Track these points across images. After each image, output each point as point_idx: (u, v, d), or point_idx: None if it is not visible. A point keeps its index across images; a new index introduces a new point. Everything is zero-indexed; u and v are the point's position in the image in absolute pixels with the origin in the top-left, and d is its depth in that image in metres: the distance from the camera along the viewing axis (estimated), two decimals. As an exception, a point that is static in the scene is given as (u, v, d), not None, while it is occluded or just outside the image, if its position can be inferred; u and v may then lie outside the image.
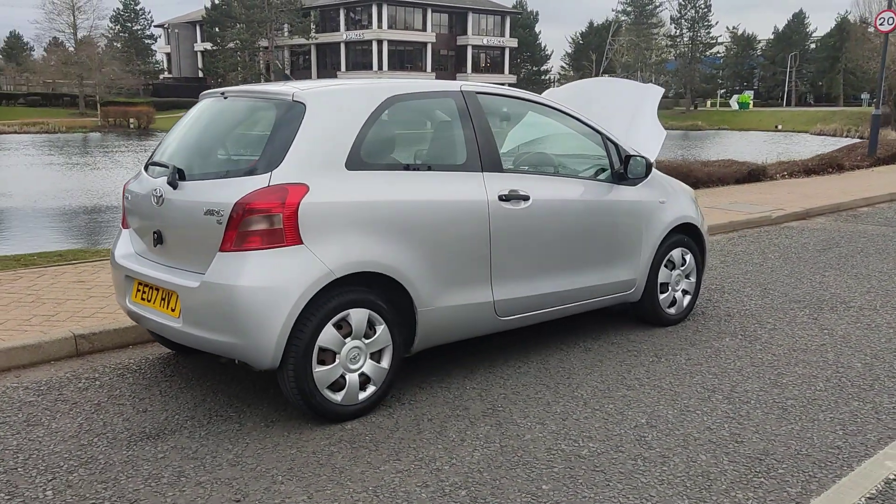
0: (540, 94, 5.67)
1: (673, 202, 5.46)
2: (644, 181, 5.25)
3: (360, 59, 72.06)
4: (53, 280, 6.14)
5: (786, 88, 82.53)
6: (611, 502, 3.10)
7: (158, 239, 4.00)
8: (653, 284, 5.37)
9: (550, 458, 3.45)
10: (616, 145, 5.14)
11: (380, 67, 70.40)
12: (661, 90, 6.18)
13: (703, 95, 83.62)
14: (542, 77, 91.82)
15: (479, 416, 3.92)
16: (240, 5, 67.25)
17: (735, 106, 75.28)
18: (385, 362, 3.94)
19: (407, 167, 4.11)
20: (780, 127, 55.35)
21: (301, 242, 3.58)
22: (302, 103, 3.83)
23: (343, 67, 72.10)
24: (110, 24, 74.89)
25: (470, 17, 77.21)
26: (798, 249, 8.56)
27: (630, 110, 5.92)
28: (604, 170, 5.13)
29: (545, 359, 4.81)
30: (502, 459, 3.44)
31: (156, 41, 79.81)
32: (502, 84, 71.80)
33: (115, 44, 75.00)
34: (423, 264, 3.98)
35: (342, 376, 3.77)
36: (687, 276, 5.66)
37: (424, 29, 74.45)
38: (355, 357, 3.80)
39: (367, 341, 3.84)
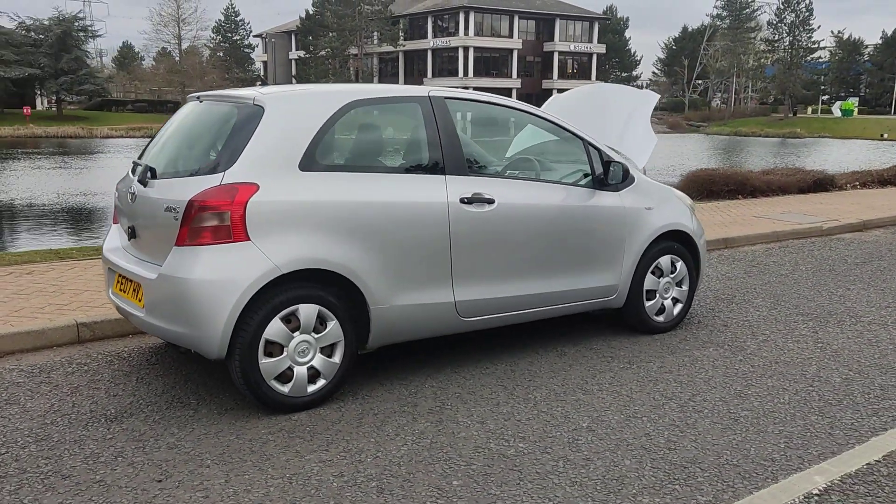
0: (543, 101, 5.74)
1: (662, 209, 5.43)
2: (629, 187, 5.25)
3: (446, 65, 72.76)
4: (82, 272, 6.58)
5: (894, 95, 78.56)
6: (514, 500, 3.16)
7: (132, 233, 4.29)
8: (637, 291, 5.35)
9: (473, 456, 3.54)
10: (599, 151, 5.16)
11: (465, 74, 70.90)
12: (657, 97, 6.15)
13: (805, 102, 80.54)
14: (631, 83, 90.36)
15: (425, 413, 4.03)
16: (332, 14, 69.09)
17: (837, 113, 72.25)
18: (337, 357, 4.10)
19: (364, 169, 4.26)
20: (885, 136, 52.71)
21: (248, 239, 3.78)
22: (261, 106, 4.05)
23: (429, 74, 72.96)
24: (212, 35, 78.21)
25: (557, 23, 76.82)
26: (834, 262, 8.28)
27: (624, 116, 5.92)
28: (585, 175, 5.16)
29: (516, 361, 4.88)
30: (426, 455, 3.54)
31: (253, 50, 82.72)
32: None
33: (217, 53, 78.24)
34: (377, 263, 4.13)
35: (290, 368, 3.95)
36: (679, 285, 5.61)
37: (511, 35, 74.53)
38: (304, 351, 3.98)
39: (316, 336, 4.01)
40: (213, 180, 3.84)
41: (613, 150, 5.32)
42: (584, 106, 6.21)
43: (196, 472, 3.32)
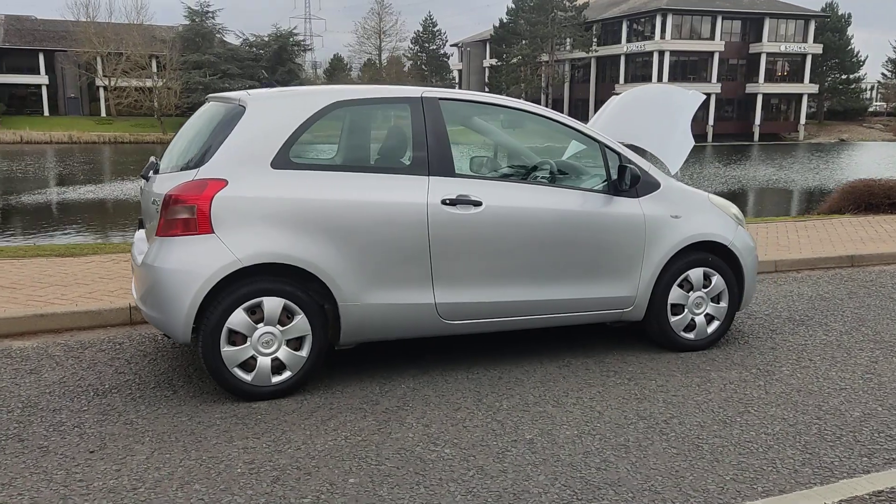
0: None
1: (692, 218, 5.08)
2: (652, 193, 4.98)
3: (639, 71, 70.78)
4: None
5: None
6: (397, 503, 3.15)
7: (140, 225, 4.70)
8: (660, 305, 5.05)
9: (389, 457, 3.54)
10: (619, 155, 4.94)
11: (660, 79, 68.55)
12: (702, 97, 5.73)
13: None
14: (851, 86, 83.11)
15: (380, 412, 4.08)
16: (525, 22, 69.68)
17: None
18: (304, 351, 4.26)
19: (342, 169, 4.39)
20: None
21: (212, 232, 4.03)
22: (243, 106, 4.30)
23: (622, 80, 71.33)
24: (410, 46, 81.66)
25: (766, 22, 72.18)
26: (966, 285, 7.26)
27: (667, 118, 5.59)
28: (602, 180, 4.96)
29: (511, 369, 4.79)
30: (346, 452, 3.60)
31: (448, 59, 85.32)
32: (800, 94, 65.36)
33: (420, 63, 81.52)
34: (347, 261, 4.23)
35: (253, 358, 4.15)
36: (715, 301, 5.21)
37: (712, 37, 71.06)
38: (268, 342, 4.17)
39: (282, 328, 4.19)
40: (189, 176, 4.14)
41: (641, 153, 5.07)
42: (633, 108, 5.93)
43: (129, 447, 3.60)
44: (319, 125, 4.39)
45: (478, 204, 4.52)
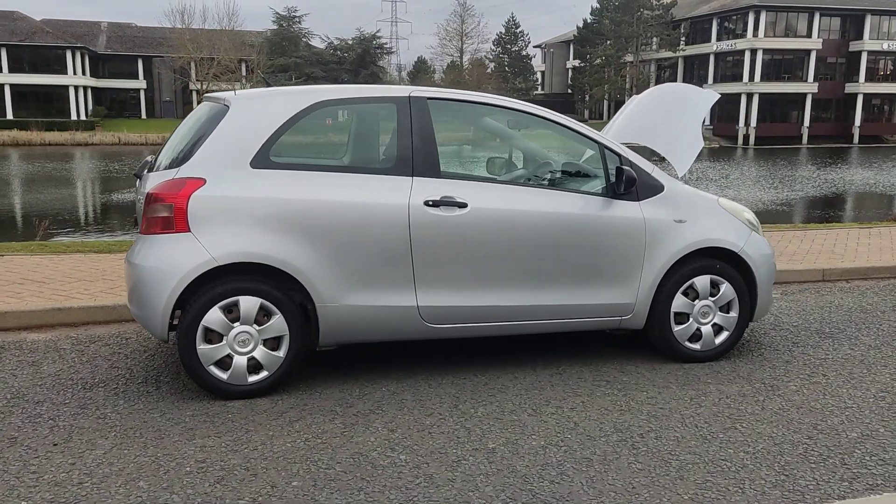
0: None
1: (698, 223, 4.85)
2: (655, 197, 4.79)
3: (729, 70, 68.56)
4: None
5: None
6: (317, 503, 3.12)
7: (135, 223, 4.81)
8: (663, 313, 4.84)
9: (341, 462, 3.50)
10: (619, 156, 4.77)
11: (751, 78, 66.29)
12: (716, 97, 5.46)
13: None
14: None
15: (350, 415, 4.05)
16: (610, 22, 68.57)
17: None
18: (282, 351, 4.26)
19: (322, 169, 4.37)
20: None
21: (188, 230, 4.08)
22: (227, 106, 4.34)
23: (710, 80, 69.26)
24: (492, 47, 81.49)
25: (868, 19, 68.81)
26: None
27: (679, 119, 5.35)
28: (600, 182, 4.80)
29: (499, 375, 4.67)
30: (301, 454, 3.57)
31: (530, 60, 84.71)
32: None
33: (504, 65, 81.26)
34: (325, 262, 4.22)
35: (229, 357, 4.18)
36: (725, 310, 4.96)
37: (809, 35, 68.19)
38: (245, 341, 4.19)
39: (259, 328, 4.20)
40: (170, 174, 4.21)
41: (650, 154, 4.87)
42: (648, 107, 5.71)
43: (93, 441, 3.68)
44: (303, 125, 4.39)
45: (463, 205, 4.43)
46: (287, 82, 58.35)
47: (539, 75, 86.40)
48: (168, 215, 4.10)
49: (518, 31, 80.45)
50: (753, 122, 64.62)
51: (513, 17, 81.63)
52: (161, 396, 4.27)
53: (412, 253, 4.36)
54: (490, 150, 5.69)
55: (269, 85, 4.77)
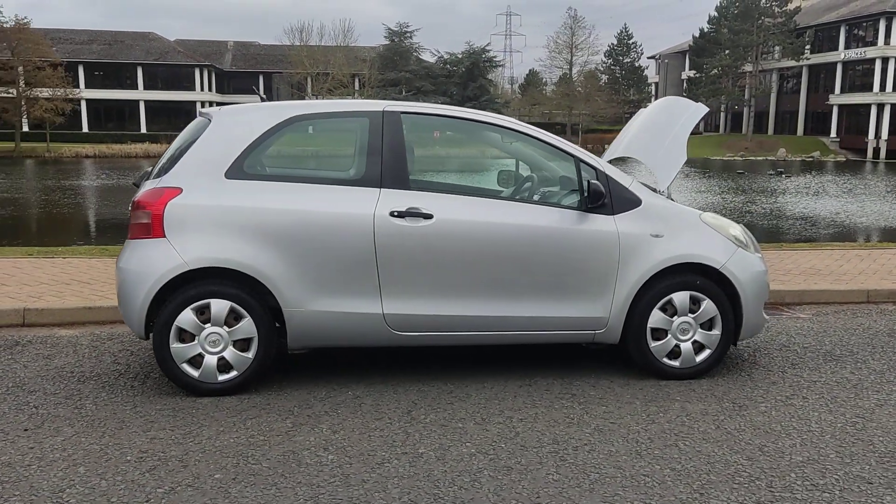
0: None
1: (677, 237, 4.78)
2: (631, 210, 4.76)
3: (858, 79, 64.86)
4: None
5: None
6: (241, 499, 3.29)
7: None
8: (639, 328, 4.79)
9: (270, 458, 3.68)
10: (595, 169, 4.77)
11: (882, 88, 62.47)
12: (705, 110, 5.32)
13: None
14: None
15: (304, 416, 4.23)
16: (729, 31, 66.39)
17: None
18: (251, 353, 4.51)
19: (293, 180, 4.60)
20: None
21: (164, 236, 4.40)
22: (209, 120, 4.65)
23: (837, 90, 65.79)
24: (604, 59, 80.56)
25: None
26: None
27: (669, 132, 5.27)
28: (573, 195, 4.81)
29: (467, 384, 4.74)
30: (237, 450, 3.76)
31: (643, 71, 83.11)
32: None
33: (618, 77, 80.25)
34: (292, 268, 4.44)
35: (200, 356, 4.46)
36: (706, 328, 4.85)
37: (946, 41, 63.67)
38: (215, 342, 4.46)
39: (229, 329, 4.47)
40: (154, 184, 4.55)
41: (636, 167, 4.85)
42: (646, 120, 5.64)
43: (60, 428, 4.02)
44: (277, 139, 4.64)
45: (429, 217, 4.55)
46: (397, 96, 59.78)
47: (653, 87, 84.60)
48: (147, 222, 4.43)
49: (631, 42, 79.23)
50: (884, 135, 60.80)
51: (625, 28, 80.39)
52: (141, 391, 4.60)
53: (377, 262, 4.52)
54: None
55: (264, 100, 5.05)
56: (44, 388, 4.61)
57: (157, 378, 4.81)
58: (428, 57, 68.93)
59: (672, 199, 5.21)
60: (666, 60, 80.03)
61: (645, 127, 5.48)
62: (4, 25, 56.04)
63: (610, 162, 5.88)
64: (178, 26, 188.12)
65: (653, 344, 4.82)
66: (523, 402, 4.48)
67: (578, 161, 4.81)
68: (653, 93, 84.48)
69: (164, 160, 4.84)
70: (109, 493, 3.32)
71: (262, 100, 5.05)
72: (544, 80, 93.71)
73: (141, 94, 63.48)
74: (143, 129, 62.44)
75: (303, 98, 63.87)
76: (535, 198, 5.08)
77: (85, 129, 61.90)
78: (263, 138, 4.58)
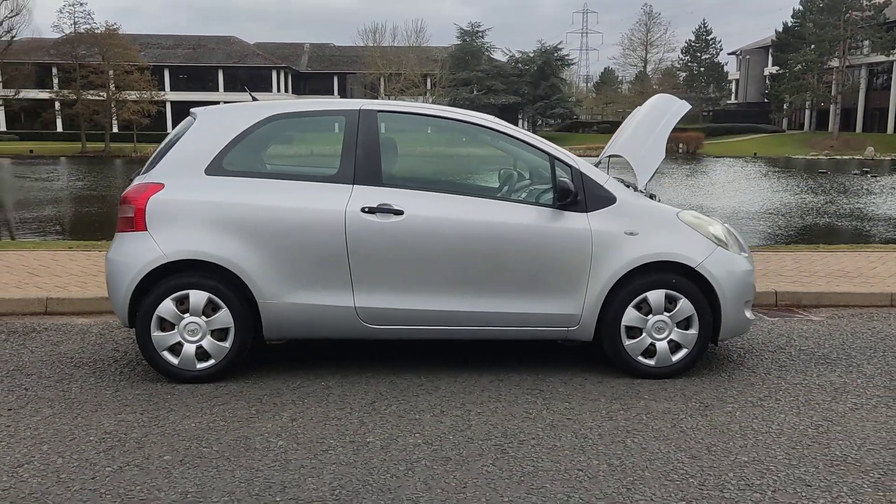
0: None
1: (652, 235, 4.75)
2: (606, 208, 4.76)
3: (953, 74, 61.57)
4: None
5: None
6: (182, 479, 3.46)
7: None
8: (612, 326, 4.77)
9: (221, 443, 3.84)
10: (570, 167, 4.79)
11: (979, 83, 59.13)
12: (687, 107, 5.22)
13: None
14: None
15: (270, 404, 4.37)
16: (814, 25, 64.00)
17: None
18: (228, 342, 4.70)
19: (269, 176, 4.77)
20: None
21: (145, 230, 4.63)
22: (194, 118, 4.86)
23: (931, 85, 62.57)
24: (680, 56, 78.72)
25: None
26: None
27: (652, 128, 5.21)
28: (545, 192, 4.83)
29: (438, 378, 4.82)
30: (195, 434, 3.93)
31: (723, 68, 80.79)
32: None
33: (697, 74, 78.31)
34: (266, 261, 4.61)
35: (179, 344, 4.68)
36: (683, 327, 4.80)
37: None
38: (194, 331, 4.67)
39: (207, 319, 4.67)
40: (140, 179, 4.79)
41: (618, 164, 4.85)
42: (636, 117, 5.58)
43: (39, 409, 4.26)
44: (257, 137, 4.81)
45: (399, 213, 4.65)
46: (468, 95, 59.94)
47: (733, 84, 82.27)
48: (131, 216, 4.67)
49: (709, 37, 77.20)
50: (982, 132, 57.57)
51: (704, 24, 78.16)
52: (128, 377, 4.85)
53: (349, 256, 4.64)
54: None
55: (254, 100, 5.23)
56: (40, 372, 4.91)
57: (146, 365, 5.04)
58: (500, 56, 68.92)
59: (653, 197, 5.16)
60: (747, 56, 77.71)
61: (637, 125, 5.43)
62: (95, 31, 58.77)
63: (609, 160, 5.88)
64: (260, 29, 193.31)
65: (627, 342, 4.79)
66: (489, 396, 4.53)
67: (553, 159, 4.82)
68: (733, 90, 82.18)
69: (153, 157, 5.07)
70: (61, 470, 3.53)
71: (253, 100, 5.23)
72: (619, 78, 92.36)
73: (221, 96, 65.53)
74: (223, 130, 64.45)
75: (376, 98, 64.83)
76: (514, 196, 5.11)
77: (169, 129, 64.23)
78: (242, 136, 4.76)
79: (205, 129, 4.83)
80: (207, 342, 4.69)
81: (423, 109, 5.05)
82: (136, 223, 4.66)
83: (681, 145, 58.95)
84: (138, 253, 4.63)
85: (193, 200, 4.66)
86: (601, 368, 5.00)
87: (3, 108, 59.16)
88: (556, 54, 67.62)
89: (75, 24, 59.06)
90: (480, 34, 66.56)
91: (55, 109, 63.07)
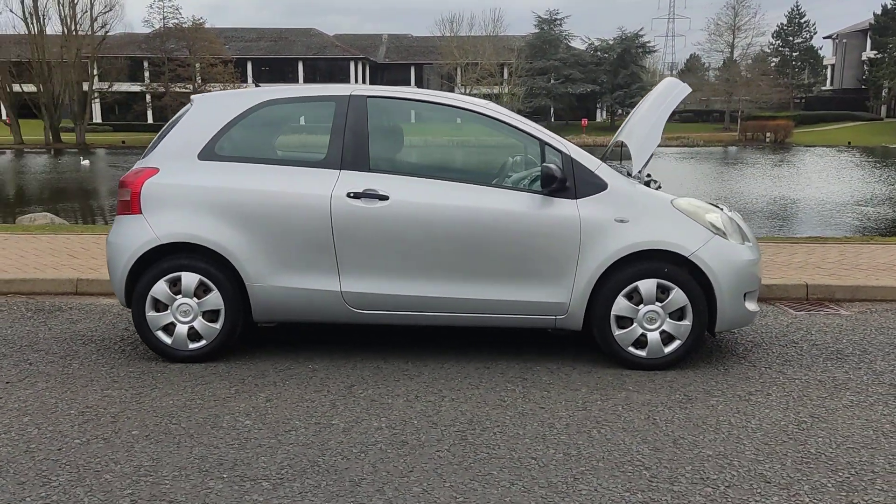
0: None
1: (643, 223, 4.60)
2: (597, 195, 4.65)
3: None
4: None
5: None
6: (130, 455, 3.58)
7: None
8: (602, 316, 4.66)
9: (190, 420, 3.93)
10: (562, 153, 4.69)
11: None
12: (688, 90, 5.00)
13: None
14: None
15: (251, 385, 4.41)
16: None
17: None
18: (218, 323, 4.81)
19: (259, 161, 4.83)
20: None
21: (140, 213, 4.78)
22: (192, 104, 4.98)
23: None
24: (771, 40, 75.79)
25: None
26: None
27: (654, 113, 5.04)
28: (535, 179, 4.75)
29: (424, 364, 4.81)
30: (167, 412, 4.01)
31: (817, 52, 77.38)
32: None
33: (789, 59, 75.36)
34: (254, 245, 4.69)
35: (172, 324, 4.81)
36: (676, 318, 4.64)
37: None
38: (186, 312, 4.79)
39: (198, 301, 4.78)
40: (138, 164, 4.95)
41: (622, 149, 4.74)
42: (646, 104, 5.40)
43: (35, 382, 4.45)
44: (248, 122, 4.89)
45: (384, 198, 4.65)
46: (545, 84, 59.37)
47: (829, 69, 78.69)
48: (127, 199, 4.83)
49: (802, 21, 74.04)
50: None
51: (797, 7, 74.88)
52: (129, 355, 5.02)
53: (334, 240, 4.67)
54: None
55: (257, 86, 5.32)
56: (49, 348, 5.14)
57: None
58: (578, 44, 67.87)
59: (651, 184, 5.00)
60: (844, 40, 74.13)
61: (644, 111, 5.26)
62: (183, 26, 60.86)
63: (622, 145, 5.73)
64: (347, 22, 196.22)
65: (617, 332, 4.67)
66: (469, 383, 4.49)
67: (544, 144, 4.73)
68: (828, 75, 78.63)
69: (152, 142, 5.22)
70: (33, 441, 3.69)
71: (256, 86, 5.31)
72: (706, 64, 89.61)
73: (302, 88, 66.93)
74: (302, 122, 65.82)
75: (452, 88, 64.87)
76: (508, 182, 5.03)
77: (251, 120, 66.15)
78: (235, 122, 4.85)
79: (200, 114, 4.93)
80: (199, 323, 4.81)
81: (414, 95, 5.04)
82: (132, 206, 4.81)
83: (768, 134, 56.93)
84: (133, 235, 4.77)
85: (185, 184, 4.77)
86: (594, 359, 4.88)
87: (98, 100, 61.86)
88: (636, 41, 66.10)
89: (164, 18, 61.32)
90: (558, 22, 65.71)
91: (146, 102, 65.65)
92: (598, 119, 70.02)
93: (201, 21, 60.95)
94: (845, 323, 5.79)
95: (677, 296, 4.61)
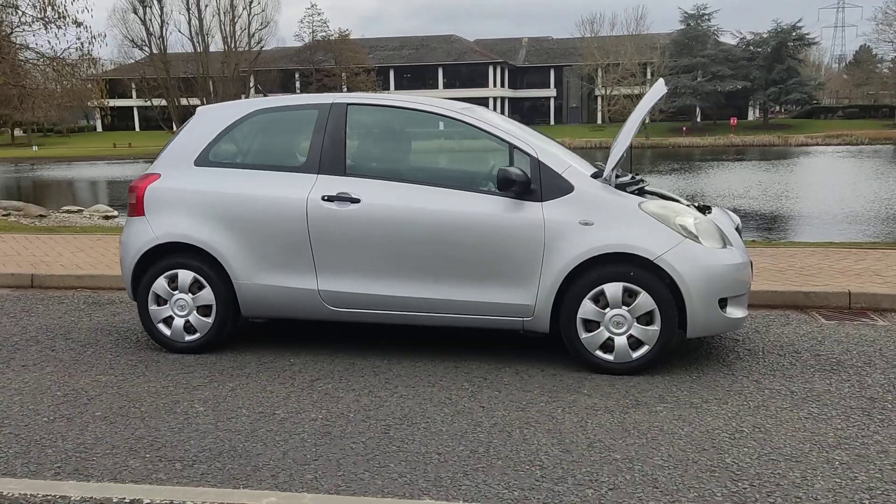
0: None
1: (610, 226, 4.51)
2: (562, 197, 4.62)
3: None
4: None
5: None
6: (98, 437, 3.93)
7: None
8: (568, 318, 4.60)
9: (155, 406, 4.23)
10: (530, 156, 4.70)
11: None
12: (664, 90, 4.78)
13: None
14: None
15: (226, 376, 4.67)
16: None
17: None
18: (211, 318, 5.15)
19: (247, 167, 5.13)
20: None
21: (143, 215, 5.20)
22: (195, 114, 5.37)
23: None
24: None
25: None
26: None
27: (635, 113, 4.89)
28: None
29: (398, 364, 4.92)
30: (145, 398, 4.36)
31: None
32: None
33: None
34: (239, 245, 4.99)
35: (171, 317, 5.20)
36: (644, 322, 4.51)
37: None
38: (182, 306, 5.17)
39: (192, 297, 5.15)
40: (146, 170, 5.39)
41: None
42: (640, 103, 5.24)
43: (25, 368, 4.88)
44: (240, 130, 5.21)
45: (356, 201, 4.82)
46: (690, 82, 57.14)
47: None
48: (134, 202, 5.27)
49: None
50: None
51: (979, -9, 67.75)
52: (128, 345, 5.45)
53: (311, 241, 4.89)
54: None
55: (265, 95, 5.65)
56: (77, 337, 5.68)
57: (143, 336, 5.61)
58: (728, 39, 64.92)
59: (640, 183, 4.88)
60: None
61: (634, 112, 5.13)
62: (330, 38, 63.73)
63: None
64: (493, 27, 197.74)
65: (584, 335, 4.59)
66: (429, 381, 4.57)
67: (512, 148, 4.74)
68: None
69: (161, 149, 5.66)
70: (7, 418, 4.11)
71: (263, 95, 5.64)
72: (877, 56, 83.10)
73: (440, 93, 68.17)
74: (441, 127, 67.14)
75: (592, 90, 63.95)
76: (482, 186, 5.04)
77: (394, 127, 68.30)
78: (227, 130, 5.19)
79: (199, 124, 5.31)
80: (193, 317, 5.17)
81: (392, 101, 5.18)
82: (137, 209, 5.24)
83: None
84: (138, 235, 5.21)
85: (181, 189, 5.15)
86: (568, 363, 4.81)
87: (254, 111, 65.89)
88: (793, 34, 62.35)
89: (313, 32, 64.43)
90: (706, 17, 63.12)
91: (297, 111, 69.19)
92: (750, 118, 66.57)
93: (347, 33, 63.56)
94: (871, 334, 5.35)
95: (644, 300, 4.47)
